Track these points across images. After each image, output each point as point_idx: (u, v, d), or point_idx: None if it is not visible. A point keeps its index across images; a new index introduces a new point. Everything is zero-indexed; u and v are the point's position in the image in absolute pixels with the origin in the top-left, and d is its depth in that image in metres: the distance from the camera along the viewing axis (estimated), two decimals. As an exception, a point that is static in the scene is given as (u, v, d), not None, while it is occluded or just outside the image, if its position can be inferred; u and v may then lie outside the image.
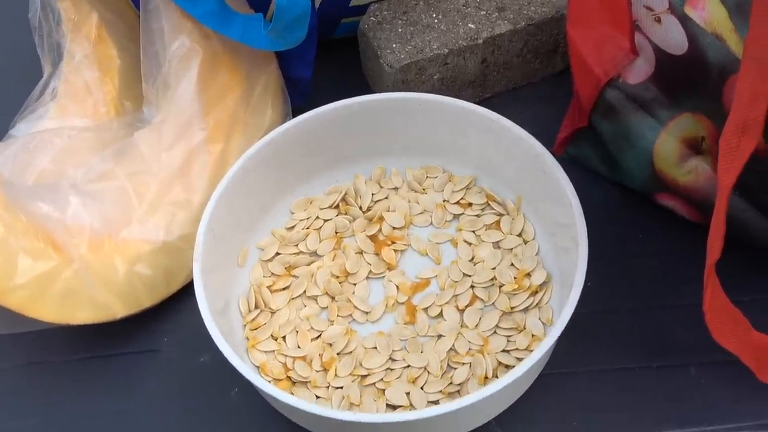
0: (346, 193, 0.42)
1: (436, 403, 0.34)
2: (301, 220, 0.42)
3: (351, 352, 0.37)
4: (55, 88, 0.44)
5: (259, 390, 0.33)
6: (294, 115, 0.41)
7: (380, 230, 0.41)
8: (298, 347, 0.37)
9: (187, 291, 0.41)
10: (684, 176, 0.37)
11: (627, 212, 0.42)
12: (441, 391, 0.35)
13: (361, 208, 0.42)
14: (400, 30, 0.45)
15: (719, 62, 0.30)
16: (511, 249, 0.40)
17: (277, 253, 0.41)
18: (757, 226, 0.36)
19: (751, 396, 0.35)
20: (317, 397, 0.35)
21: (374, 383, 0.35)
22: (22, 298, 0.34)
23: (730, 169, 0.24)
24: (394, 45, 0.44)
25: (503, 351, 0.36)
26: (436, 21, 0.45)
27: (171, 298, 0.40)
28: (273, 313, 0.38)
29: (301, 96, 0.47)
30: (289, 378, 0.36)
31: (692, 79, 0.34)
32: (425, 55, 0.44)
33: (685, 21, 0.31)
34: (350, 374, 0.36)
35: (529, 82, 0.49)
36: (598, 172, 0.43)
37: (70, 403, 0.38)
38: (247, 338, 0.37)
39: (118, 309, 0.37)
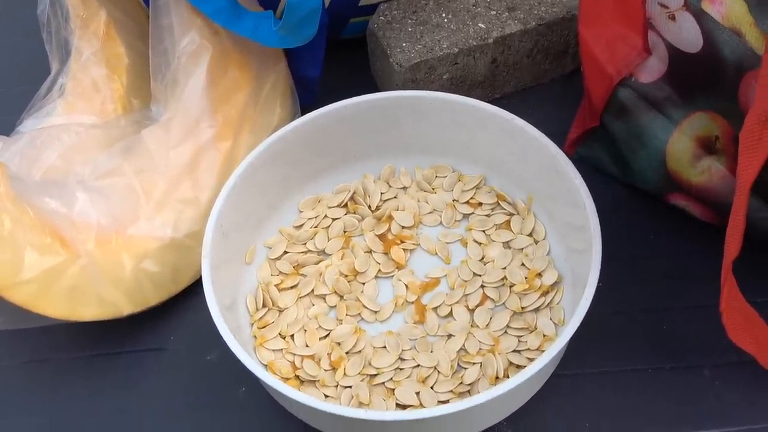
0: (354, 192, 0.42)
1: (446, 402, 0.34)
2: (309, 218, 0.41)
3: (360, 351, 0.36)
4: (63, 85, 0.44)
5: (269, 388, 0.33)
6: (302, 115, 0.41)
7: (389, 229, 0.41)
8: (307, 346, 0.37)
9: (194, 289, 0.41)
10: (697, 176, 0.37)
11: (638, 213, 0.41)
12: (451, 391, 0.34)
13: (369, 207, 0.42)
14: (409, 29, 0.45)
15: (736, 59, 0.30)
16: (522, 249, 0.39)
17: (285, 252, 0.40)
18: (771, 227, 0.35)
19: (762, 396, 0.34)
20: (326, 396, 0.35)
21: (384, 383, 0.35)
22: (28, 293, 0.34)
23: (752, 164, 0.23)
24: (403, 44, 0.44)
25: (514, 351, 0.35)
26: (446, 20, 0.45)
27: (178, 296, 0.40)
28: (281, 311, 0.38)
29: (309, 95, 0.46)
30: (297, 377, 0.36)
31: (707, 77, 0.33)
32: (435, 54, 0.44)
33: (700, 17, 0.31)
34: (359, 373, 0.35)
35: (539, 83, 0.49)
36: (609, 172, 0.43)
37: (75, 400, 0.37)
38: (255, 336, 0.37)
39: (124, 306, 0.37)
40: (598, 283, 0.38)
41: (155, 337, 0.39)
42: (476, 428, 0.33)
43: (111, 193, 0.38)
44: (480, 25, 0.45)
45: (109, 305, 0.37)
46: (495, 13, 0.45)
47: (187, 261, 0.39)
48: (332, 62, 0.48)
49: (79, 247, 0.35)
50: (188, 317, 0.40)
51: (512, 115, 0.39)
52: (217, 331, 0.38)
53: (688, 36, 0.33)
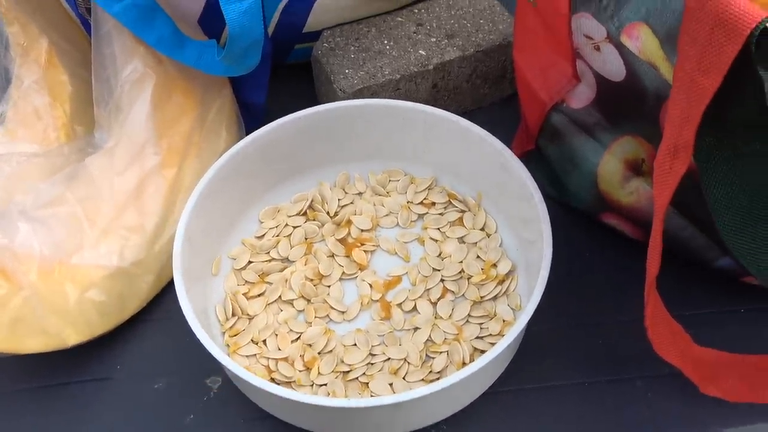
0: (312, 200, 0.43)
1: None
2: (270, 228, 0.43)
3: (331, 350, 0.37)
4: (3, 113, 0.44)
5: (249, 385, 0.33)
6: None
7: (349, 233, 0.42)
8: (279, 349, 0.38)
9: (140, 317, 0.41)
10: (626, 197, 0.39)
11: (574, 232, 0.43)
12: (423, 380, 0.36)
13: (328, 213, 0.43)
14: (352, 56, 0.46)
15: (655, 88, 0.32)
16: (476, 243, 0.41)
17: (250, 262, 0.41)
18: (695, 243, 0.37)
19: (695, 406, 0.36)
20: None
21: (357, 378, 0.36)
22: (-32, 327, 0.33)
23: (664, 191, 0.25)
24: (347, 70, 0.45)
25: (477, 338, 0.37)
26: (387, 47, 0.47)
27: (124, 325, 0.40)
28: (251, 319, 0.39)
29: (255, 121, 0.47)
30: (273, 380, 0.37)
31: (631, 104, 0.35)
32: (377, 81, 0.45)
33: (621, 49, 0.33)
34: (333, 371, 0.36)
35: (479, 106, 0.51)
36: (546, 193, 0.44)
37: (17, 434, 0.37)
38: (228, 345, 0.38)
39: (69, 336, 0.37)
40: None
41: (102, 366, 0.39)
42: (446, 411, 0.35)
43: (54, 223, 0.38)
44: (420, 51, 0.46)
45: (53, 336, 0.36)
46: (435, 40, 0.47)
47: (133, 289, 0.40)
48: (278, 87, 0.49)
49: (21, 279, 0.35)
50: (135, 345, 0.40)
51: (457, 117, 0.41)
52: (164, 359, 0.39)
53: (612, 66, 0.34)
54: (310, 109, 0.42)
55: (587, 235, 0.43)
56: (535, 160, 0.44)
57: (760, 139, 0.24)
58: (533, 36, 0.39)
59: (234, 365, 0.32)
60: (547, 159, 0.42)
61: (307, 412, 0.33)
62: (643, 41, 0.29)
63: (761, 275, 0.27)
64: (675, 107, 0.24)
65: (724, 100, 0.22)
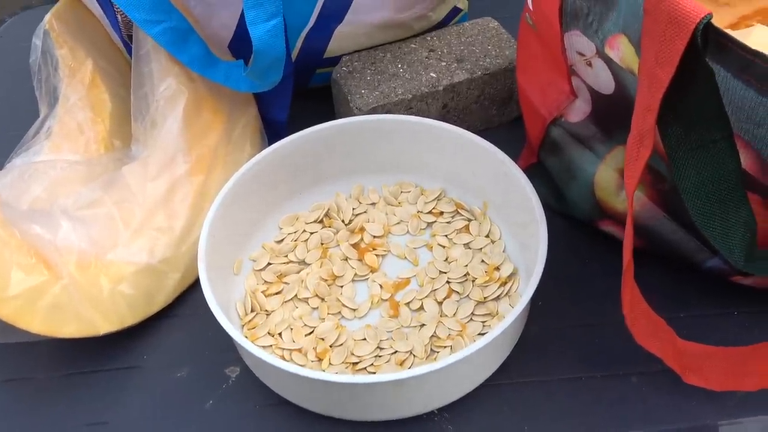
0: (329, 209, 0.47)
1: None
2: (289, 233, 0.46)
3: (342, 343, 0.40)
4: (50, 127, 0.48)
5: (265, 367, 0.35)
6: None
7: (362, 239, 0.45)
8: (293, 341, 0.41)
9: (165, 313, 0.44)
10: (621, 203, 0.41)
11: (573, 240, 0.45)
12: None
13: (343, 221, 0.46)
14: (368, 78, 0.50)
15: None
16: (481, 248, 0.44)
17: (269, 263, 0.45)
18: (686, 246, 0.39)
19: (684, 400, 0.38)
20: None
21: (365, 368, 0.39)
22: (13, 308, 0.37)
23: (633, 176, 0.28)
24: (363, 91, 0.49)
25: (480, 334, 0.40)
26: (401, 70, 0.50)
27: (150, 319, 0.43)
28: (268, 314, 0.42)
29: (277, 138, 0.50)
30: None
31: (621, 115, 0.38)
32: (391, 100, 0.48)
33: (609, 62, 0.36)
34: (343, 362, 0.39)
35: (488, 127, 0.54)
36: (548, 203, 0.47)
37: (50, 415, 0.40)
38: (246, 336, 0.41)
39: (101, 325, 0.40)
40: (537, 301, 0.42)
41: (129, 356, 0.42)
42: (447, 396, 0.37)
43: (92, 222, 0.41)
44: (431, 74, 0.50)
45: (87, 324, 0.39)
46: (445, 64, 0.50)
47: (160, 285, 0.43)
48: (299, 108, 0.52)
49: (61, 269, 0.39)
50: (160, 338, 0.43)
51: (463, 130, 0.44)
52: (187, 351, 0.42)
53: (603, 80, 0.37)
54: (326, 123, 0.45)
55: (585, 242, 0.45)
56: (537, 173, 0.46)
57: (720, 130, 0.26)
58: (534, 57, 0.43)
59: (252, 346, 0.35)
60: (548, 171, 0.45)
61: (316, 392, 0.36)
62: (622, 50, 0.32)
63: (731, 257, 0.29)
64: (639, 98, 0.26)
65: (684, 92, 0.25)
